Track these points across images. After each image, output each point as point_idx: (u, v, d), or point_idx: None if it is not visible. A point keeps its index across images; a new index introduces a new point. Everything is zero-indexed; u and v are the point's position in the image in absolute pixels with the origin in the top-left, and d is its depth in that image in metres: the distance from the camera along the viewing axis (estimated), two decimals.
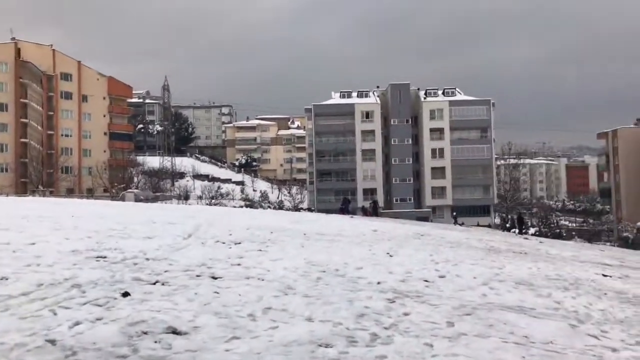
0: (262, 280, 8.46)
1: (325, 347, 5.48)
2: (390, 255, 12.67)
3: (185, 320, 5.90)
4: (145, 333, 5.30)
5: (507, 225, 73.47)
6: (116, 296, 6.55)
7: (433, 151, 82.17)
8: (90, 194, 78.61)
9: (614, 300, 10.09)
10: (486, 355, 5.72)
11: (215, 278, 8.27)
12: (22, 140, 80.00)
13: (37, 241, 9.77)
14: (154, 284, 7.52)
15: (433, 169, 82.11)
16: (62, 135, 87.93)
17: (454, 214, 63.65)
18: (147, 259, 9.17)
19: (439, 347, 5.82)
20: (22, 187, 75.34)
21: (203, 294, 7.12)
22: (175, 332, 5.47)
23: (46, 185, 77.23)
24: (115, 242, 10.65)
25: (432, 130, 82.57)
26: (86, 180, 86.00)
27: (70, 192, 78.56)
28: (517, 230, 39.86)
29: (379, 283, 9.24)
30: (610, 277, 13.25)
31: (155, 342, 5.10)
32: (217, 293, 7.29)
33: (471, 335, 6.46)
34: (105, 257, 8.96)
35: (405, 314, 7.26)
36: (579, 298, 9.87)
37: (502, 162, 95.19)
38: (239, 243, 12.55)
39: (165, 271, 8.33)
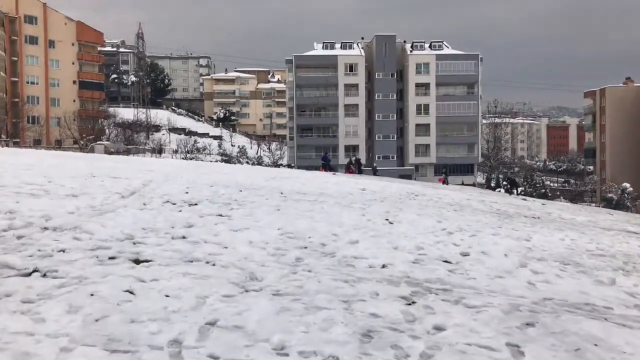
0: (213, 264, 5.58)
1: None
2: (390, 222, 9.88)
3: None
4: None
5: (492, 184, 71.48)
6: None
7: (418, 107, 78.90)
8: (58, 145, 74.61)
9: None
10: None
11: (139, 262, 5.37)
12: None
13: None
14: (29, 274, 4.60)
15: (417, 125, 79.07)
16: (27, 82, 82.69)
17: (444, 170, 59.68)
18: (45, 229, 6.21)
19: None
20: None
21: (104, 296, 4.23)
22: None
23: (11, 136, 72.85)
24: (14, 201, 7.63)
25: (417, 85, 79.08)
26: (54, 131, 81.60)
27: (37, 143, 74.40)
28: (511, 192, 37.44)
29: (384, 267, 6.45)
30: None
31: None
32: (131, 293, 4.41)
33: None
34: None
35: (438, 329, 4.48)
36: None
37: (488, 120, 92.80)
38: (195, 204, 9.62)
39: (62, 250, 5.40)
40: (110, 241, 6.00)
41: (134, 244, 6.07)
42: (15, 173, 11.24)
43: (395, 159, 77.83)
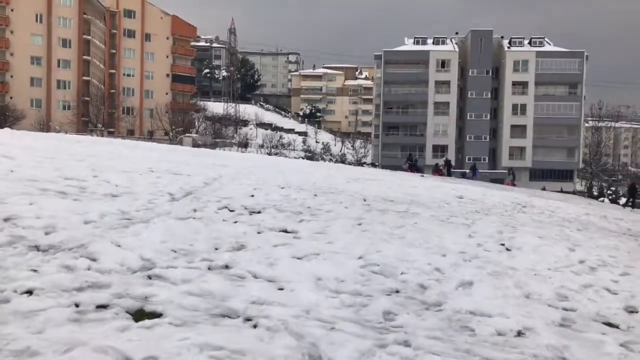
0: (255, 326, 3.56)
1: None
2: (508, 249, 7.50)
3: None
4: None
5: (595, 193, 65.46)
6: None
7: (514, 107, 73.76)
8: (150, 136, 76.72)
9: None
10: None
11: (142, 316, 3.45)
12: (84, 78, 78.22)
13: None
14: None
15: (513, 126, 73.92)
16: (124, 74, 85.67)
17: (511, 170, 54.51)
18: (34, 248, 4.46)
19: None
20: (83, 126, 74.02)
21: None
22: None
23: (107, 125, 75.66)
24: (28, 203, 6.01)
25: (514, 83, 73.94)
26: (147, 122, 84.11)
27: (130, 134, 76.88)
28: (627, 203, 33.02)
29: (520, 334, 4.18)
30: None
31: None
32: None
33: None
34: None
35: None
36: None
37: (592, 122, 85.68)
38: (257, 212, 7.71)
39: (28, 291, 3.57)
40: (114, 273, 4.14)
41: (149, 278, 4.18)
42: (63, 164, 9.86)
43: (486, 161, 73.31)
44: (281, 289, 4.40)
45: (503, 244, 7.72)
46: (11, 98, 72.27)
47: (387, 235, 7.22)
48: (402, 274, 5.34)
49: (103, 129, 71.27)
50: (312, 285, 4.60)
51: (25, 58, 73.77)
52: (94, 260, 4.37)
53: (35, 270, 3.93)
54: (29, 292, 3.54)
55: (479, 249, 7.13)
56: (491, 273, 5.87)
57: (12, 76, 73.48)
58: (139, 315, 3.49)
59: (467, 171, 42.63)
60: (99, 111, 76.70)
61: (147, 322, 3.37)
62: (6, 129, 23.93)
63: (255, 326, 3.56)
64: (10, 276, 3.75)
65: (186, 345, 3.10)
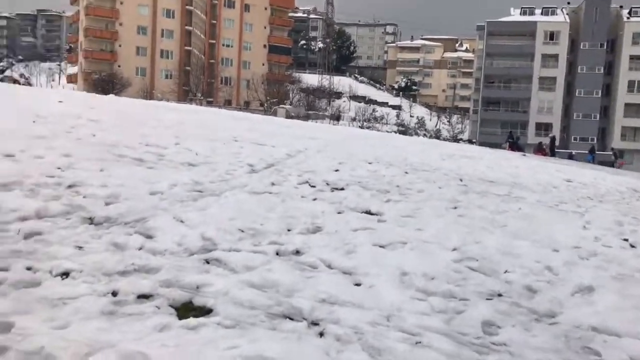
0: (321, 333, 2.90)
1: None
2: (632, 246, 6.35)
3: None
4: None
5: None
6: None
7: (631, 83, 67.55)
8: (246, 106, 78.24)
9: None
10: None
11: (187, 312, 2.90)
12: (186, 48, 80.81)
13: None
14: None
15: (627, 105, 67.87)
16: (223, 45, 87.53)
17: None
18: (88, 220, 4.06)
19: None
20: (184, 95, 76.74)
21: None
22: None
23: (205, 95, 77.94)
24: (98, 169, 5.71)
25: (632, 57, 67.53)
26: (243, 93, 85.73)
27: (227, 104, 78.80)
28: None
29: None
30: None
31: None
32: None
33: None
34: None
35: None
36: None
37: None
38: (340, 189, 7.04)
39: (65, 273, 3.12)
40: (168, 254, 3.64)
41: (206, 262, 3.64)
42: (149, 131, 9.69)
43: (595, 141, 68.02)
44: (358, 285, 3.71)
45: (626, 239, 6.56)
46: (119, 66, 76.12)
47: (486, 222, 6.30)
48: (505, 272, 4.48)
49: (202, 98, 73.48)
50: (396, 281, 3.87)
51: (132, 28, 77.18)
52: (149, 237, 3.90)
53: (80, 248, 3.51)
54: (65, 275, 3.10)
55: (597, 244, 6.05)
56: (615, 276, 4.85)
57: (120, 45, 77.19)
58: (185, 310, 2.94)
59: (574, 153, 39.58)
60: (199, 81, 79.11)
61: (191, 320, 2.81)
62: (111, 96, 24.88)
63: (321, 334, 2.91)
64: (50, 253, 3.34)
65: (232, 356, 2.50)
